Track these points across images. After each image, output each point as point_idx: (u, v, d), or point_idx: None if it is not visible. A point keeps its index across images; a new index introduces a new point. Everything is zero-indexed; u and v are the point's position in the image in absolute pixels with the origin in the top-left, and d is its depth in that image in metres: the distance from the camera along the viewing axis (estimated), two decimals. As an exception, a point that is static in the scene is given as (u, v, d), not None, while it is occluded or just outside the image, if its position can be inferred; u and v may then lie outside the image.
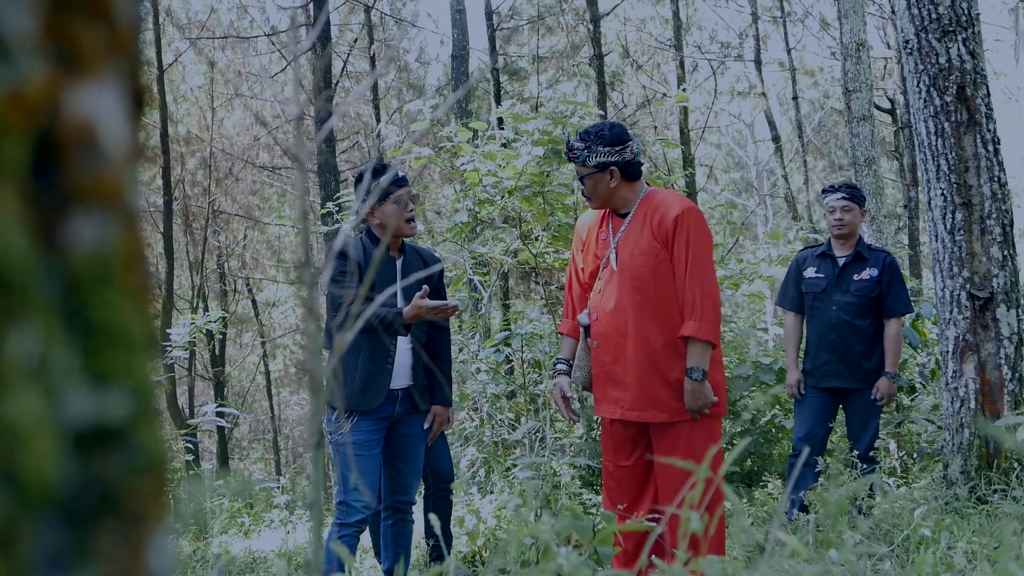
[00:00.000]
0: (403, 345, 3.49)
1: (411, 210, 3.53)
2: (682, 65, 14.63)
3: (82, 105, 0.42)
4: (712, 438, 3.08)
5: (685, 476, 2.90)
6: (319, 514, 0.91)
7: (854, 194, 4.44)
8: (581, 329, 3.27)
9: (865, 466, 4.11)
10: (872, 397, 4.33)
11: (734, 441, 6.69)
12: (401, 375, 3.50)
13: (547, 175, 5.65)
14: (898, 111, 15.69)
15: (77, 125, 0.41)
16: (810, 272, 4.48)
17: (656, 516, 3.11)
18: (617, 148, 3.15)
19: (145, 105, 0.41)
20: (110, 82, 0.40)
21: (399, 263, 3.56)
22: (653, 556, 2.44)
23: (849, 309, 4.36)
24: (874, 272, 4.38)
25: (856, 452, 4.16)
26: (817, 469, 4.09)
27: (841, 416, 4.57)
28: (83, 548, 0.38)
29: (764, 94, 15.55)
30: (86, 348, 0.39)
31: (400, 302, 3.51)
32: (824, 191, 4.58)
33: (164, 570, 0.39)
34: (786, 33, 15.91)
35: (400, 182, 3.54)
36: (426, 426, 3.65)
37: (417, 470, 3.64)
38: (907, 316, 4.95)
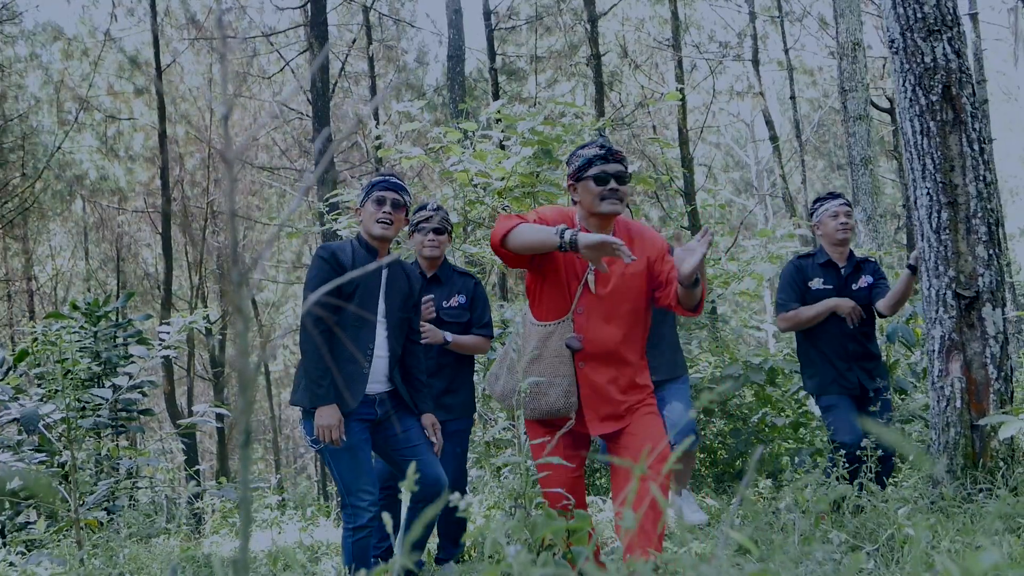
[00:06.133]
0: (379, 352, 3.52)
1: (386, 212, 3.53)
2: (680, 65, 14.61)
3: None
4: (660, 434, 3.09)
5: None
6: (247, 512, 0.91)
7: (849, 201, 4.64)
8: (569, 353, 3.11)
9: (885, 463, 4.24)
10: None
11: (728, 441, 6.69)
12: (377, 380, 3.52)
13: (537, 175, 5.64)
14: (897, 110, 15.69)
15: None
16: (817, 283, 4.54)
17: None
18: None
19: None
20: None
21: (385, 272, 3.55)
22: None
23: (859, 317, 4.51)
24: (869, 279, 4.58)
25: (880, 452, 4.13)
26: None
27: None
28: None
29: (762, 93, 15.54)
30: None
31: (381, 307, 3.53)
32: (821, 200, 4.67)
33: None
34: (784, 32, 15.90)
35: (383, 184, 3.55)
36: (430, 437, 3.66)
37: (432, 459, 3.52)
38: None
